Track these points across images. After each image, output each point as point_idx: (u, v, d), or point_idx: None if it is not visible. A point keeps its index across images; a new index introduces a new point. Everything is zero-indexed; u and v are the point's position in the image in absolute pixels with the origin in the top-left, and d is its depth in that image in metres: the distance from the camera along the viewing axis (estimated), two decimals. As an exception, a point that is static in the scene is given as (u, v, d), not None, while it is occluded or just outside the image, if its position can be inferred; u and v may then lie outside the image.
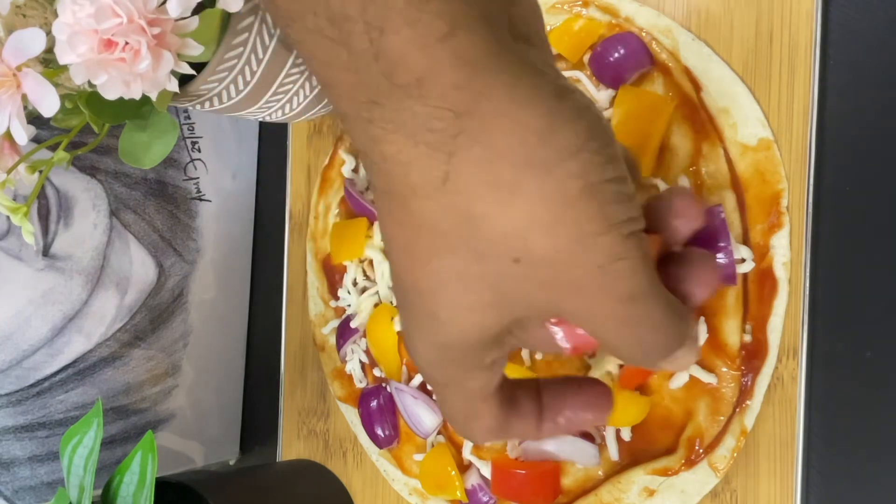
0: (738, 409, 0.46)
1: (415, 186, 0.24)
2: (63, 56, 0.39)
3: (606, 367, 0.48)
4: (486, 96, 0.23)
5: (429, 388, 0.55)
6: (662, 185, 0.47)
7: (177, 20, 0.40)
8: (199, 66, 0.43)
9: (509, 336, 0.29)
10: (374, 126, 0.24)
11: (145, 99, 0.41)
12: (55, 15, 0.39)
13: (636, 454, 0.48)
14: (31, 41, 0.39)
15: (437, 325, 0.27)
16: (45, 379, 0.62)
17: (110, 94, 0.40)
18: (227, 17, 0.44)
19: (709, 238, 0.44)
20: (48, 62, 0.41)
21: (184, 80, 0.45)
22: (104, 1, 0.38)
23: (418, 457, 0.56)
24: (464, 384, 0.29)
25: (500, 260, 0.25)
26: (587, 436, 0.49)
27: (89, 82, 0.39)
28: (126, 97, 0.40)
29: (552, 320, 0.29)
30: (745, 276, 0.46)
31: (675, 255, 0.31)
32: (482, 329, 0.27)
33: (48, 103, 0.40)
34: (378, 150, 0.24)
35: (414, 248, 0.26)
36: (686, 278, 0.31)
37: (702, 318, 0.46)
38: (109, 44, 0.39)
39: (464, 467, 0.54)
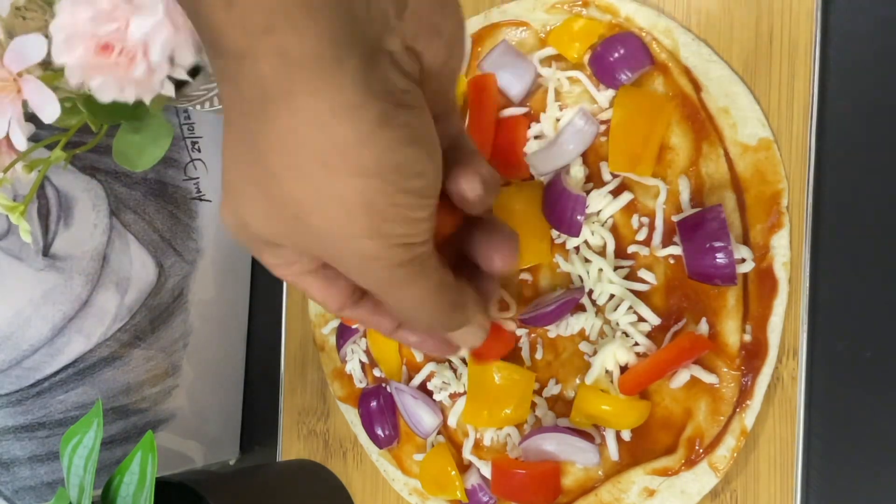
0: (738, 409, 0.46)
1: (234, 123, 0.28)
2: (59, 56, 0.39)
3: (607, 366, 0.48)
4: (303, 93, 0.26)
5: (429, 387, 0.55)
6: (662, 185, 0.47)
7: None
8: (197, 67, 0.43)
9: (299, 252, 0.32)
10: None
11: (141, 100, 0.41)
12: (55, 17, 0.39)
13: (636, 454, 0.48)
14: (32, 48, 0.40)
15: (240, 205, 0.30)
16: (45, 379, 0.62)
17: (104, 97, 0.40)
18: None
19: (709, 238, 0.44)
20: (47, 65, 0.41)
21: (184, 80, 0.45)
22: (103, 5, 0.38)
23: (418, 457, 0.56)
24: (264, 259, 0.33)
25: (286, 208, 0.28)
26: (587, 436, 0.49)
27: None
28: (120, 100, 0.40)
29: None
30: (745, 276, 0.46)
31: (480, 221, 0.36)
32: (267, 228, 0.30)
33: (49, 110, 0.40)
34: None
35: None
36: (485, 246, 0.35)
37: (703, 318, 0.46)
38: (106, 48, 0.39)
39: (464, 467, 0.54)
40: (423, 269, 0.31)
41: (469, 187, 0.33)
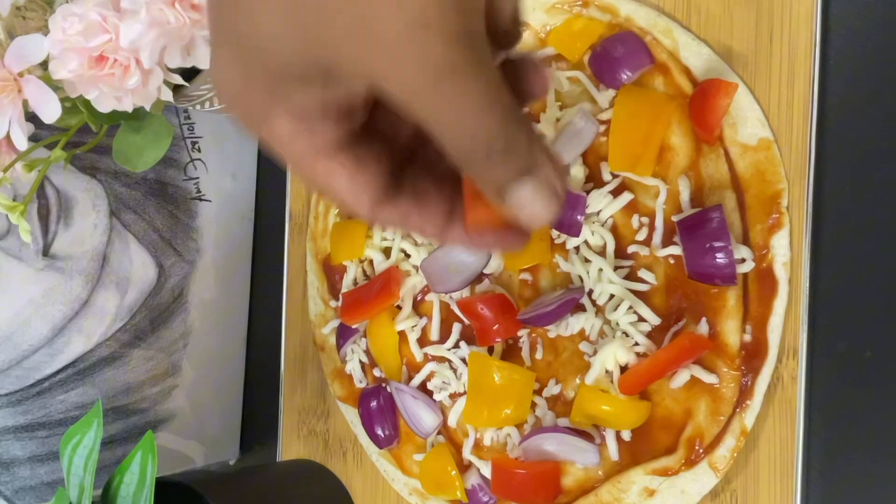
0: (738, 409, 0.46)
1: None
2: (57, 72, 0.39)
3: (607, 366, 0.48)
4: None
5: (429, 387, 0.55)
6: (662, 185, 0.47)
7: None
8: (196, 67, 0.43)
9: (332, 85, 0.24)
10: None
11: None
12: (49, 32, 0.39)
13: (636, 454, 0.48)
14: (32, 48, 0.40)
15: (241, 19, 0.23)
16: (45, 379, 0.62)
17: (103, 108, 0.40)
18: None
19: (709, 238, 0.44)
20: (48, 65, 0.41)
21: (184, 79, 0.45)
22: (93, 18, 0.38)
23: (418, 457, 0.56)
24: (271, 128, 0.25)
25: None
26: (587, 436, 0.49)
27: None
28: (119, 109, 0.41)
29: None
30: (745, 276, 0.46)
31: (508, 63, 0.28)
32: (291, 49, 0.23)
33: (49, 110, 0.41)
34: None
35: None
36: (520, 79, 0.28)
37: (703, 318, 0.46)
38: (100, 59, 0.39)
39: (464, 467, 0.54)
40: (481, 55, 0.24)
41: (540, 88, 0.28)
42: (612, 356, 0.47)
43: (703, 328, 0.46)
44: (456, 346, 0.54)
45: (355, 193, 0.26)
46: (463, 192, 0.28)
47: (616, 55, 0.48)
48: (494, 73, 0.24)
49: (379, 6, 0.22)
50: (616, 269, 0.48)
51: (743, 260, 0.45)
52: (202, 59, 0.41)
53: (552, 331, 0.51)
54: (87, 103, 0.42)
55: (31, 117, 0.42)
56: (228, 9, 0.23)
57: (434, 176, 0.29)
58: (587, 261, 0.49)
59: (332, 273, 0.62)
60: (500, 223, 0.28)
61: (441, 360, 0.55)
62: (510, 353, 0.52)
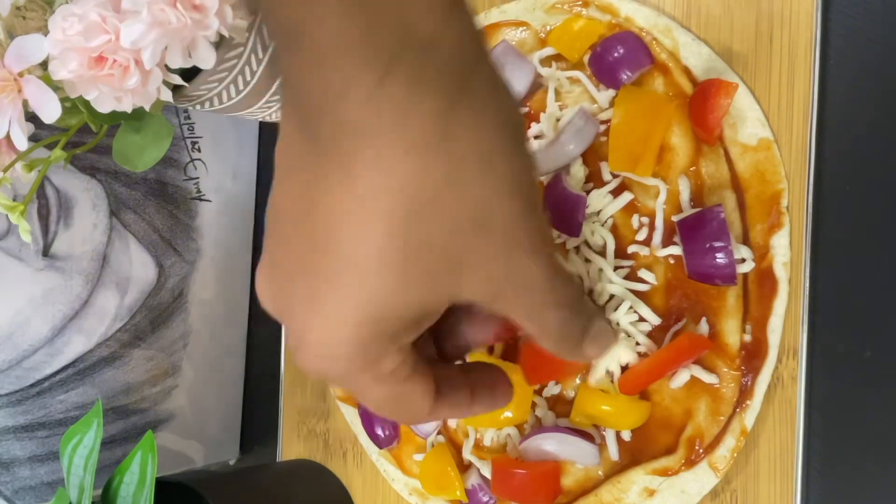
0: (738, 409, 0.46)
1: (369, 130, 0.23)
2: (57, 73, 0.39)
3: (608, 367, 0.48)
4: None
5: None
6: (662, 185, 0.47)
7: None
8: (196, 67, 0.43)
9: (431, 317, 0.27)
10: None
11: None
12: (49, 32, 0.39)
13: (636, 454, 0.48)
14: (32, 48, 0.40)
15: (362, 292, 0.24)
16: (45, 379, 0.62)
17: (103, 108, 0.40)
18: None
19: (709, 238, 0.44)
20: (47, 65, 0.41)
21: (184, 79, 0.45)
22: (92, 18, 0.38)
23: (418, 457, 0.56)
24: (380, 367, 0.27)
25: (456, 221, 0.24)
26: (587, 436, 0.49)
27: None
28: (119, 110, 0.41)
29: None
30: (745, 276, 0.46)
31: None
32: (420, 302, 0.25)
33: (49, 110, 0.41)
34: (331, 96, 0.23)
35: (332, 187, 0.24)
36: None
37: (703, 318, 0.46)
38: (100, 60, 0.39)
39: (464, 467, 0.54)
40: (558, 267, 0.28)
41: None
42: (615, 357, 0.47)
43: (703, 328, 0.46)
44: (456, 346, 0.54)
45: (423, 403, 0.30)
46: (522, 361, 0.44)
47: (616, 55, 0.48)
48: (569, 279, 0.29)
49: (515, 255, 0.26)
50: (616, 269, 0.48)
51: (743, 260, 0.45)
52: (203, 60, 0.41)
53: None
54: (86, 103, 0.42)
55: (31, 117, 0.42)
56: (341, 287, 0.25)
57: (433, 358, 0.34)
58: (587, 261, 0.49)
59: (332, 273, 0.62)
60: (561, 370, 0.39)
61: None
62: (510, 353, 0.52)
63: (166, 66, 0.40)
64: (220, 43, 0.44)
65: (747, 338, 0.46)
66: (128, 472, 0.47)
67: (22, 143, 0.41)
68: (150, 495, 0.46)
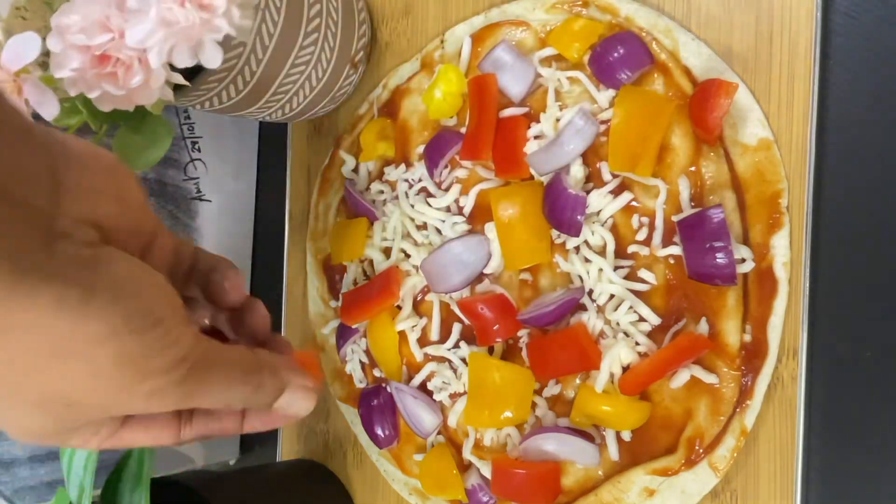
0: (738, 409, 0.46)
1: None
2: (58, 70, 0.39)
3: (612, 369, 0.48)
4: (12, 319, 0.26)
5: (429, 387, 0.55)
6: (662, 185, 0.47)
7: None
8: (197, 67, 0.43)
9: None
10: None
11: (142, 103, 0.41)
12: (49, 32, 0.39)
13: (636, 454, 0.48)
14: (26, 46, 0.40)
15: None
16: (45, 379, 0.62)
17: (104, 107, 0.40)
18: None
19: (709, 238, 0.44)
20: (46, 65, 0.41)
21: (185, 78, 0.45)
22: (95, 17, 0.38)
23: (418, 457, 0.56)
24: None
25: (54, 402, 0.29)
26: (587, 436, 0.49)
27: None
28: (120, 108, 0.41)
29: None
30: (745, 276, 0.46)
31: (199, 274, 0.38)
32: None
33: (49, 108, 0.40)
34: None
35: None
36: (216, 285, 0.37)
37: (703, 318, 0.46)
38: (102, 59, 0.39)
39: (464, 467, 0.54)
40: (204, 360, 0.32)
41: (234, 291, 0.37)
42: (617, 359, 0.47)
43: (703, 328, 0.46)
44: (456, 346, 0.54)
45: (160, 441, 0.36)
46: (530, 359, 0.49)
47: (616, 55, 0.48)
48: (224, 357, 0.33)
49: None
50: (616, 269, 0.48)
51: (743, 260, 0.45)
52: (210, 60, 0.41)
53: (552, 331, 0.51)
54: (87, 103, 0.42)
55: (32, 116, 0.42)
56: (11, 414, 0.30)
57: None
58: (587, 261, 0.49)
59: (331, 273, 0.62)
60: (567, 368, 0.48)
61: (441, 360, 0.55)
62: (510, 353, 0.52)
63: (170, 65, 0.40)
64: (221, 43, 0.44)
65: (747, 338, 0.46)
66: (125, 471, 0.47)
67: (22, 144, 0.41)
68: (146, 494, 0.46)
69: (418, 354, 0.55)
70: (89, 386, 0.29)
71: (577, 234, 0.48)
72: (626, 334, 0.48)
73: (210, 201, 0.67)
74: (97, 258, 0.29)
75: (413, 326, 0.55)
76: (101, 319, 0.28)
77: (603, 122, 0.49)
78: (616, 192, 0.48)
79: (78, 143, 0.31)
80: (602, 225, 0.49)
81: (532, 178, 0.51)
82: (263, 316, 0.39)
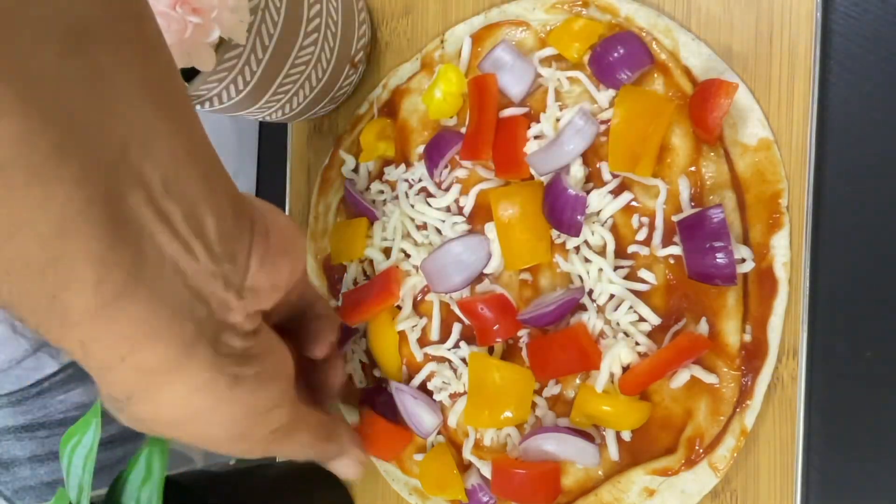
0: (738, 409, 0.46)
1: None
2: None
3: (613, 369, 0.48)
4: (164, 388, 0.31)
5: (429, 387, 0.55)
6: (662, 185, 0.47)
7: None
8: (195, 68, 0.43)
9: None
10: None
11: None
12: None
13: (636, 454, 0.48)
14: None
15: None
16: (45, 379, 0.62)
17: None
18: (226, 18, 0.43)
19: (709, 238, 0.44)
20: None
21: (184, 78, 0.45)
22: None
23: (418, 457, 0.56)
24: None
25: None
26: (587, 436, 0.49)
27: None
28: None
29: None
30: (745, 276, 0.46)
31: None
32: None
33: None
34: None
35: None
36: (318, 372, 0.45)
37: (703, 318, 0.46)
38: None
39: (464, 467, 0.54)
40: (292, 426, 0.37)
41: (320, 352, 0.44)
42: (617, 360, 0.47)
43: (703, 328, 0.46)
44: (456, 346, 0.54)
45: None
46: (530, 359, 0.51)
47: (616, 55, 0.48)
48: (307, 422, 0.40)
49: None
50: (616, 269, 0.48)
51: (743, 260, 0.45)
52: (203, 63, 0.41)
53: (552, 331, 0.51)
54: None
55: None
56: None
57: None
58: (587, 261, 0.49)
59: (331, 273, 0.62)
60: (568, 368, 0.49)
61: (441, 360, 0.55)
62: (510, 353, 0.52)
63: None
64: (220, 43, 0.44)
65: (747, 338, 0.46)
66: (135, 468, 0.47)
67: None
68: (158, 492, 0.46)
69: (418, 354, 0.55)
70: (211, 438, 0.34)
71: (577, 234, 0.48)
72: (626, 334, 0.48)
73: (210, 201, 0.67)
74: (249, 354, 0.33)
75: (413, 326, 0.55)
76: (237, 404, 0.33)
77: (603, 122, 0.49)
78: (616, 192, 0.48)
79: (263, 204, 0.34)
80: (602, 225, 0.49)
81: (532, 178, 0.51)
82: (339, 376, 0.47)
